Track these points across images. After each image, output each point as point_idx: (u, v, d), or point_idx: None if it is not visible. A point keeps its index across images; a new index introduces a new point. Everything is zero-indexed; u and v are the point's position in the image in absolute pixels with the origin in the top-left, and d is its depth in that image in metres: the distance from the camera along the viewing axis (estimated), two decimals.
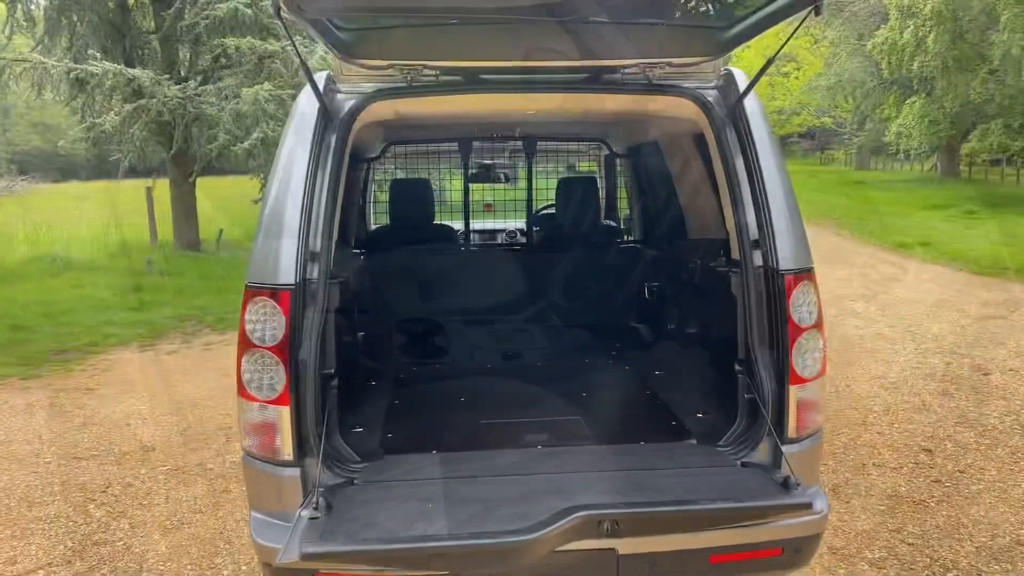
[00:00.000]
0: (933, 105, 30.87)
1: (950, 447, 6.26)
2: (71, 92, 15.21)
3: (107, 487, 5.83)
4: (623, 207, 7.28)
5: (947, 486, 5.53)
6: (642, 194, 6.47)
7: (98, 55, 14.83)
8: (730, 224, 3.66)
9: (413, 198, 6.23)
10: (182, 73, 16.00)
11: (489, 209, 7.73)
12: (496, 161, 7.65)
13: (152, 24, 16.51)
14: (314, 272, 3.23)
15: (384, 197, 6.75)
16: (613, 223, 7.17)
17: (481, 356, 5.53)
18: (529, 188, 6.49)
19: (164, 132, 15.55)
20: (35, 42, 16.13)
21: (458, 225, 6.58)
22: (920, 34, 29.14)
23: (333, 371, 3.38)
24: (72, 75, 13.28)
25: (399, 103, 3.61)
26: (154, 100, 13.33)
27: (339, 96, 3.57)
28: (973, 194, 30.60)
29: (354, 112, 3.48)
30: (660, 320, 5.55)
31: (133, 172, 17.91)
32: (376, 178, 7.47)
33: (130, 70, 13.29)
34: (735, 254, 3.64)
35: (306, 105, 3.42)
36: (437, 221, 6.58)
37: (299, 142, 3.35)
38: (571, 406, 4.30)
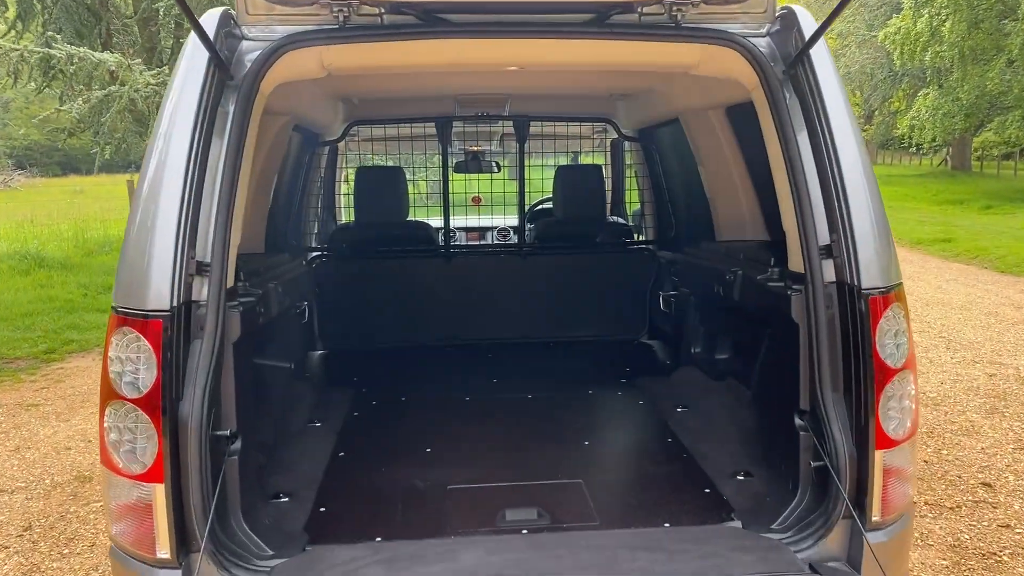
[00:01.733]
0: (947, 97, 29.90)
1: (1012, 480, 5.37)
2: (43, 79, 14.32)
3: (27, 529, 4.96)
4: (633, 201, 6.40)
5: (1019, 532, 4.64)
6: (657, 185, 5.59)
7: (71, 40, 13.93)
8: (788, 224, 2.78)
9: (382, 190, 5.34)
10: (164, 59, 15.08)
11: (478, 203, 6.83)
12: (481, 145, 6.76)
13: (131, 7, 15.60)
14: (203, 291, 2.38)
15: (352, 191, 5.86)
16: (621, 220, 6.28)
17: (457, 389, 4.61)
18: (520, 178, 5.59)
19: (143, 122, 14.64)
20: (7, 26, 15.24)
21: (438, 222, 5.70)
22: (935, 22, 28.16)
23: (231, 431, 2.52)
24: (34, 59, 12.37)
25: (328, 53, 2.73)
26: (125, 87, 12.41)
27: (244, 44, 2.67)
28: (988, 188, 29.70)
29: (261, 65, 2.59)
30: (681, 339, 4.67)
31: (135, 166, 16.98)
32: (343, 167, 6.59)
33: (96, 54, 12.37)
34: (795, 264, 2.76)
35: (192, 57, 2.53)
36: (412, 218, 5.69)
37: (180, 109, 2.47)
38: (569, 461, 3.41)
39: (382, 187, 5.41)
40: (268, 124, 4.03)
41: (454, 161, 6.40)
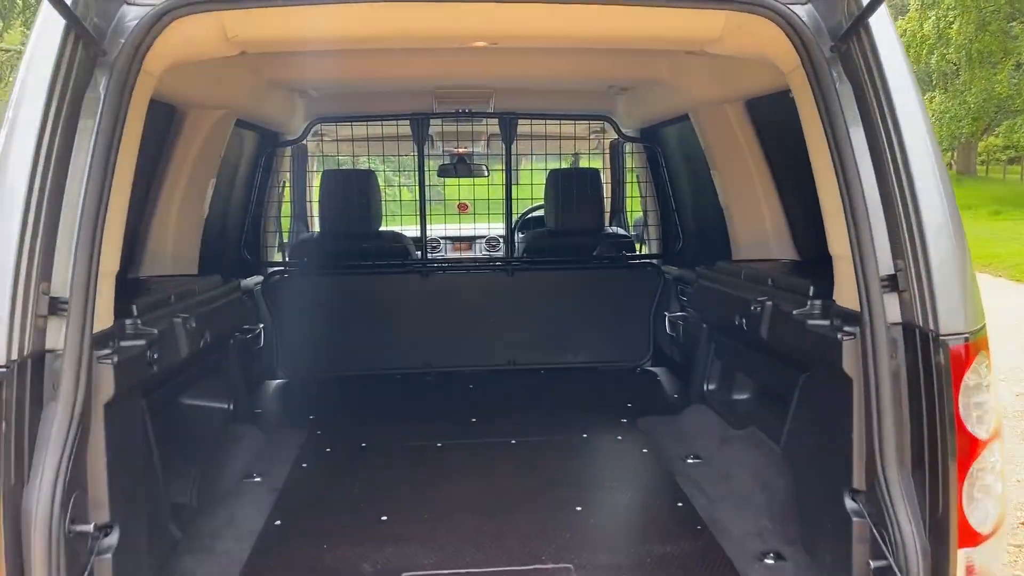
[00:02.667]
0: (954, 100, 29.33)
1: None
2: None
3: None
4: (634, 210, 5.75)
5: None
6: (662, 192, 4.94)
7: None
8: (838, 246, 2.14)
9: (350, 197, 4.69)
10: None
11: (464, 210, 6.18)
12: (465, 147, 6.10)
13: None
14: (60, 337, 1.72)
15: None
16: (621, 231, 5.62)
17: (429, 431, 3.88)
18: (507, 184, 4.94)
19: None
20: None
21: (414, 231, 5.05)
22: (942, 24, 27.60)
23: (100, 524, 1.89)
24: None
25: (231, 21, 2.11)
26: None
27: (126, 10, 2.02)
28: (996, 194, 29.11)
29: (143, 36, 1.94)
30: (691, 370, 4.01)
31: None
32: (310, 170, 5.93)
33: None
34: (845, 298, 2.13)
35: (45, 23, 1.90)
36: (385, 227, 5.03)
37: (28, 92, 1.86)
38: (557, 537, 2.75)
39: (350, 193, 4.75)
40: (198, 119, 3.38)
41: (435, 164, 5.75)
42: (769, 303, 2.89)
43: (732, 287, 3.22)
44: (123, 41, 1.98)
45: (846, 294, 2.18)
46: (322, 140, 6.13)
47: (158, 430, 2.60)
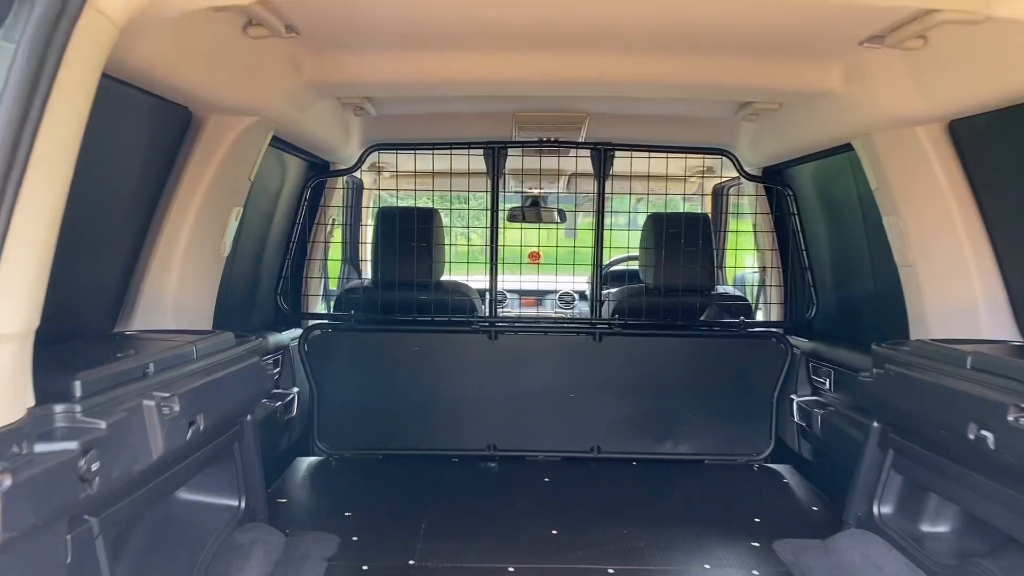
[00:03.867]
0: None
1: None
2: None
3: None
4: (736, 266, 4.83)
5: None
6: (790, 245, 4.01)
7: None
8: None
9: (407, 240, 3.89)
10: None
11: (536, 260, 5.31)
12: (543, 188, 5.28)
13: None
14: None
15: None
16: (735, 291, 4.67)
17: (492, 545, 2.91)
18: (598, 228, 4.05)
19: None
20: None
21: (481, 281, 4.18)
22: None
23: None
24: None
25: None
26: None
27: None
28: None
29: None
30: (834, 477, 3.07)
31: None
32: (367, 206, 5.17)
33: None
34: None
35: None
36: (447, 276, 4.19)
37: None
38: None
39: (409, 235, 3.94)
40: (219, 127, 2.60)
41: (507, 206, 4.94)
42: (1000, 413, 1.92)
43: (957, 381, 2.23)
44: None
45: None
46: (379, 173, 5.38)
47: (123, 555, 1.75)
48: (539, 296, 6.20)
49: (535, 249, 5.52)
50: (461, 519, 3.20)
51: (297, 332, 4.02)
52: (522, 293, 5.94)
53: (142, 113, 2.31)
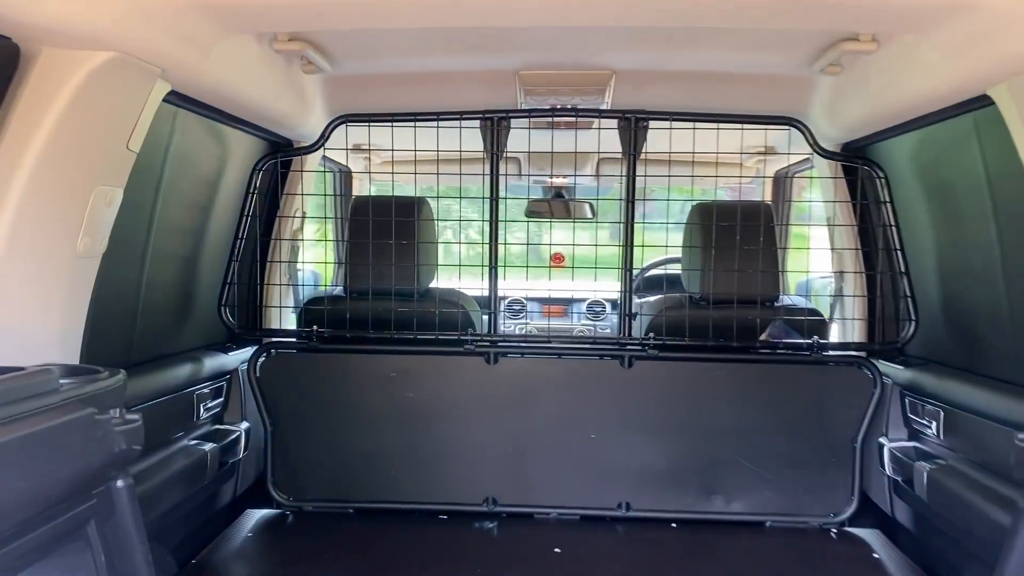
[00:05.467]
0: None
1: None
2: None
3: None
4: (799, 271, 3.94)
5: None
6: (883, 247, 3.11)
7: None
8: None
9: (386, 237, 3.10)
10: None
11: (559, 261, 4.45)
12: (563, 176, 4.42)
13: None
14: None
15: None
16: (804, 302, 3.74)
17: None
18: (629, 222, 3.15)
19: None
20: None
21: (478, 287, 3.33)
22: None
23: None
24: None
25: None
26: None
27: None
28: None
29: None
30: (948, 556, 2.24)
31: None
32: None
33: None
34: None
35: None
36: (435, 284, 3.37)
37: None
38: None
39: (388, 231, 3.13)
40: (53, 65, 1.81)
41: (512, 195, 4.11)
42: None
43: None
44: None
45: None
46: (368, 157, 4.57)
47: None
48: (566, 304, 5.33)
49: (559, 250, 4.67)
50: None
51: (247, 353, 3.23)
52: (544, 301, 5.09)
53: None
